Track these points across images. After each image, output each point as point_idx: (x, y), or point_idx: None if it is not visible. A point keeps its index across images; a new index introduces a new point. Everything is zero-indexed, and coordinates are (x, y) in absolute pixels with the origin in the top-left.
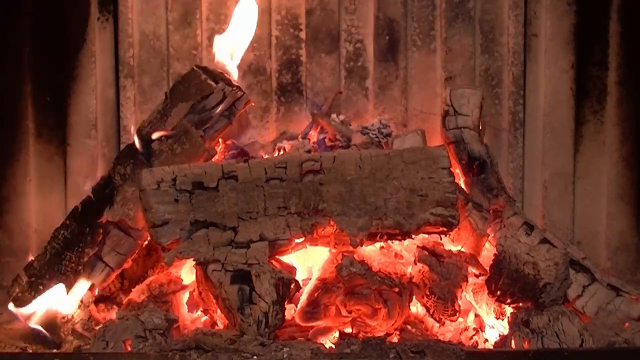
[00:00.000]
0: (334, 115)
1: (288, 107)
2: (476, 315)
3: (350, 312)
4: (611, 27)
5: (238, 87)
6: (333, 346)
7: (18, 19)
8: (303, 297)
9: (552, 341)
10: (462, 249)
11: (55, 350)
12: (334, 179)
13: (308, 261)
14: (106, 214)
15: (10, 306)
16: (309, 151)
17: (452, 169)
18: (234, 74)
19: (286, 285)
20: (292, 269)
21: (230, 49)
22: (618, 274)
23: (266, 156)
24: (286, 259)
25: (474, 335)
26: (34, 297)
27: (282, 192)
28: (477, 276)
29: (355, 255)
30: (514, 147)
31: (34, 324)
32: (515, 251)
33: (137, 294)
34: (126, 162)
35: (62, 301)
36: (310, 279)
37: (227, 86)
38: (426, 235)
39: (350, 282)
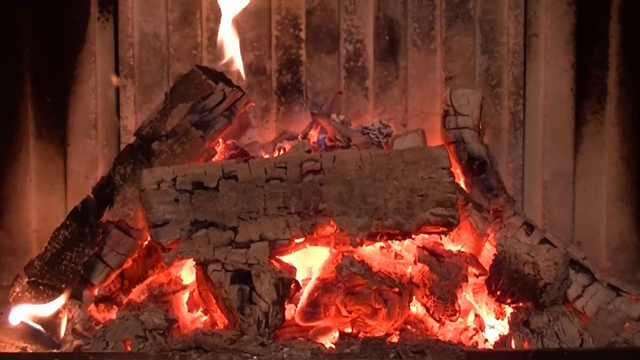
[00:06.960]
0: (334, 115)
1: (288, 107)
2: (476, 315)
3: (350, 312)
4: (611, 27)
5: (238, 87)
6: (333, 346)
7: (18, 19)
8: (303, 297)
9: (552, 341)
10: (462, 249)
11: (55, 350)
12: (334, 179)
13: (308, 261)
14: (106, 214)
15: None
16: (309, 151)
17: (452, 169)
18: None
19: (286, 285)
20: (292, 269)
21: None
22: (618, 274)
23: (266, 156)
24: (286, 259)
25: (474, 335)
26: (34, 297)
27: (282, 192)
28: (477, 276)
29: (355, 255)
30: (514, 147)
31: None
32: (515, 251)
33: (137, 294)
34: (126, 162)
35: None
36: (310, 279)
37: (227, 86)
38: (426, 235)
39: (350, 282)
